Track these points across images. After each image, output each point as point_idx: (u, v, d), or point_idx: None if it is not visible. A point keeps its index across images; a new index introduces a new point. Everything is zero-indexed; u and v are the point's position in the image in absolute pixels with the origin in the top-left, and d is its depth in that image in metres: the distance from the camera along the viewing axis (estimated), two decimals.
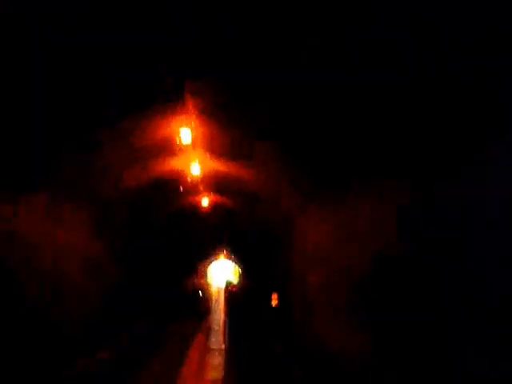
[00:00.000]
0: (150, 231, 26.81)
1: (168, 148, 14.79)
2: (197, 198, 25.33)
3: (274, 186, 18.52)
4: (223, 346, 15.55)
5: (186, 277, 39.46)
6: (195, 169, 17.16)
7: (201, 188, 21.57)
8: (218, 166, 17.21)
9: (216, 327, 21.28)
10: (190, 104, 11.73)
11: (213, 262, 60.48)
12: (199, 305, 29.85)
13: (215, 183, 21.12)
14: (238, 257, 45.18)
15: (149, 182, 18.53)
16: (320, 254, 16.36)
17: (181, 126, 12.91)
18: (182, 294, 34.06)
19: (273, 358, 14.83)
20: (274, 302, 28.71)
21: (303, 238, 19.57)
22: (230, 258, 54.10)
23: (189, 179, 18.76)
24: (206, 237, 37.75)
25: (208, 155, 15.81)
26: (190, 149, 14.88)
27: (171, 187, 20.60)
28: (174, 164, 17.10)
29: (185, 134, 13.11)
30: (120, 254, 21.57)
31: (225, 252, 49.90)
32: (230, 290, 43.44)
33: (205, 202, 25.40)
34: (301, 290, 20.54)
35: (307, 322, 18.04)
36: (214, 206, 27.38)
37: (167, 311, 26.39)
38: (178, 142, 13.87)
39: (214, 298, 42.53)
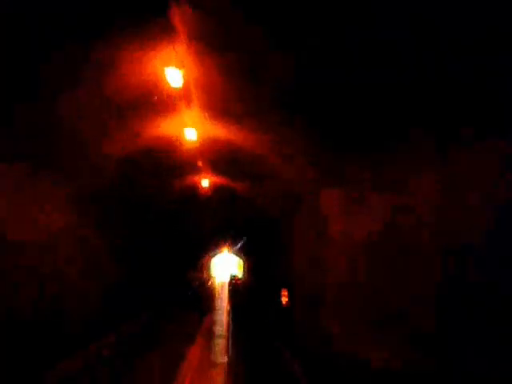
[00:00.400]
0: (142, 222, 23.39)
1: (151, 101, 11.32)
2: (196, 179, 21.90)
3: (285, 160, 15.11)
4: (226, 359, 12.21)
5: (188, 271, 36.29)
6: (190, 134, 13.73)
7: (199, 163, 18.11)
8: (219, 130, 13.76)
9: (219, 329, 17.94)
10: (179, 25, 8.28)
11: (216, 256, 57.65)
12: (201, 302, 26.49)
13: (215, 160, 17.69)
14: (243, 250, 41.99)
15: (132, 153, 15.10)
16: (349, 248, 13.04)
17: (168, 65, 9.47)
18: (183, 289, 30.82)
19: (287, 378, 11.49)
20: (284, 300, 25.25)
21: (319, 227, 16.22)
22: (233, 252, 51.18)
23: (184, 148, 15.29)
24: (207, 226, 34.29)
25: (205, 113, 12.35)
26: (181, 102, 11.42)
27: (162, 161, 17.15)
28: (164, 127, 13.65)
29: (173, 76, 9.67)
30: (116, 249, 18.25)
31: (228, 245, 47.03)
32: (234, 282, 40.71)
33: (204, 183, 21.96)
34: (309, 288, 17.45)
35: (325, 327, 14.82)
36: (215, 189, 23.91)
37: (167, 308, 23.04)
38: (164, 90, 10.42)
39: (217, 293, 39.24)
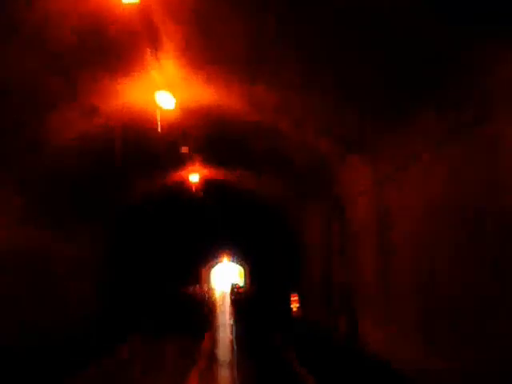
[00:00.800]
0: (119, 232, 19.88)
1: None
2: (182, 174, 18.40)
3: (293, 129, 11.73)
4: None
5: (181, 285, 32.81)
6: (165, 100, 10.24)
7: (183, 149, 14.60)
8: (204, 91, 10.29)
9: (222, 353, 14.43)
10: None
11: (215, 266, 54.26)
12: (199, 319, 23.01)
13: (203, 142, 14.22)
14: (243, 255, 38.50)
15: (92, 139, 11.60)
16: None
17: None
18: (178, 304, 27.31)
19: None
20: (295, 306, 21.66)
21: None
22: (233, 260, 47.86)
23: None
24: (202, 233, 30.80)
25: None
26: (142, 37, 7.93)
27: (134, 149, 13.62)
28: (128, 93, 10.15)
29: None
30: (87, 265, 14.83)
31: (228, 253, 43.69)
32: (235, 291, 38.12)
33: (193, 178, 18.43)
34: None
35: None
36: (208, 187, 20.43)
37: (159, 329, 19.56)
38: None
39: (217, 306, 35.74)
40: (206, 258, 43.04)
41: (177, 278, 31.06)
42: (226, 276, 62.79)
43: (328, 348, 13.67)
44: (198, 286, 42.81)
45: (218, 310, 31.52)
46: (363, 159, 10.41)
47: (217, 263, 53.13)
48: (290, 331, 18.00)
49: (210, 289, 51.06)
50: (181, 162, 16.52)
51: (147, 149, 13.87)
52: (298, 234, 20.95)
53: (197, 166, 17.10)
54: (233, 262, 49.33)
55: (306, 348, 13.96)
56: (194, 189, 19.91)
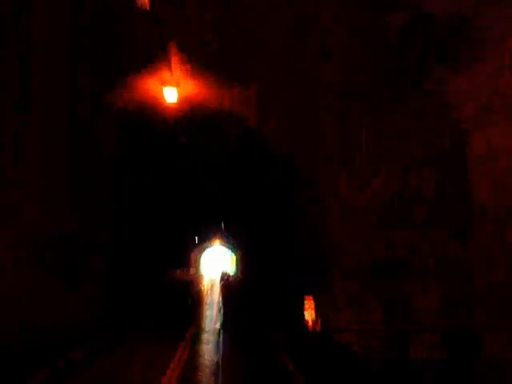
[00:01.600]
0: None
1: None
2: (152, 90, 11.22)
3: None
4: None
5: (169, 268, 26.44)
6: None
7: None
8: None
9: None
10: None
11: (206, 250, 48.34)
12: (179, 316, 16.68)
13: None
14: (237, 234, 31.45)
15: None
16: None
17: None
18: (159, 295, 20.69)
19: None
20: (310, 316, 14.39)
21: None
22: (225, 242, 41.72)
23: None
24: (184, 204, 23.44)
25: None
26: None
27: None
28: None
29: None
30: None
31: (219, 235, 37.51)
32: (226, 279, 32.31)
33: (169, 95, 11.20)
34: None
35: None
36: (194, 117, 13.09)
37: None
38: None
39: (204, 297, 29.24)
40: (194, 239, 37.42)
41: (163, 262, 24.84)
42: (216, 262, 56.69)
43: None
44: (185, 270, 37.28)
45: (204, 304, 24.97)
46: None
47: (207, 247, 47.53)
48: (305, 355, 11.27)
49: (198, 275, 45.24)
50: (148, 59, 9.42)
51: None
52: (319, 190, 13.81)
53: (175, 68, 9.98)
54: (224, 243, 43.47)
55: None
56: (169, 119, 12.62)
